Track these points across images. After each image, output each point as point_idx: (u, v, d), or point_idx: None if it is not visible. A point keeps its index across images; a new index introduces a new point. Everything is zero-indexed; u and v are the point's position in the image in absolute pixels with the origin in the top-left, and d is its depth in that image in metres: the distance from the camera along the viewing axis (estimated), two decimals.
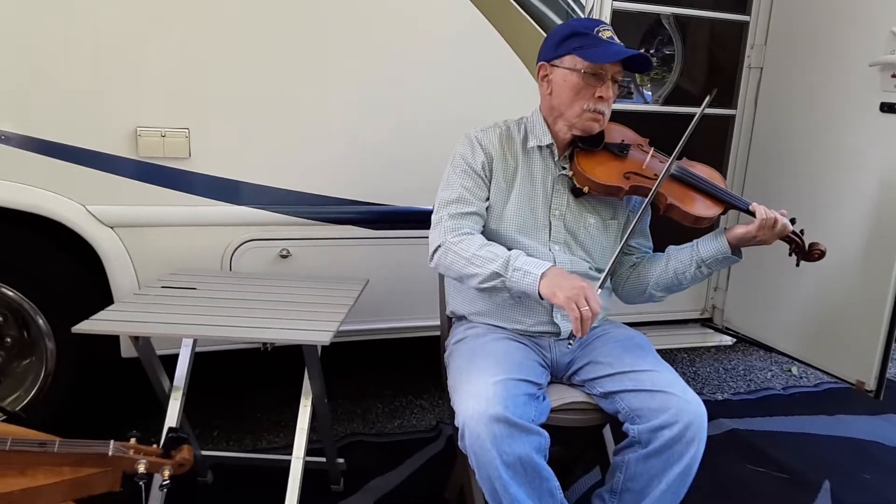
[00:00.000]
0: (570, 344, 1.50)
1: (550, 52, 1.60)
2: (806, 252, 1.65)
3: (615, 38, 1.58)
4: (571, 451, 1.98)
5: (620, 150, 1.66)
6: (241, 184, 1.99)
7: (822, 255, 1.65)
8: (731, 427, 2.50)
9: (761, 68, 2.48)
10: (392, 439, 2.30)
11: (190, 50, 1.87)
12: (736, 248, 1.63)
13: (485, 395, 1.39)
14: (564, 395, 1.63)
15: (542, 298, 1.44)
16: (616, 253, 1.55)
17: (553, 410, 1.58)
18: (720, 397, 2.77)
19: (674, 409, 1.47)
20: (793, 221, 1.63)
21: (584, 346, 1.68)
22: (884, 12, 2.03)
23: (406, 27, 2.04)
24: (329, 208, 2.07)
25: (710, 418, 2.47)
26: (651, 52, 2.83)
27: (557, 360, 1.68)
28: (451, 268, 1.56)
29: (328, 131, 2.03)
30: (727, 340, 2.76)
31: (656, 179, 1.59)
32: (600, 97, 1.56)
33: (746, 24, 2.49)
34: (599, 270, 1.68)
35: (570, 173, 1.64)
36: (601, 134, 1.64)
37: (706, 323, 2.77)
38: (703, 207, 1.62)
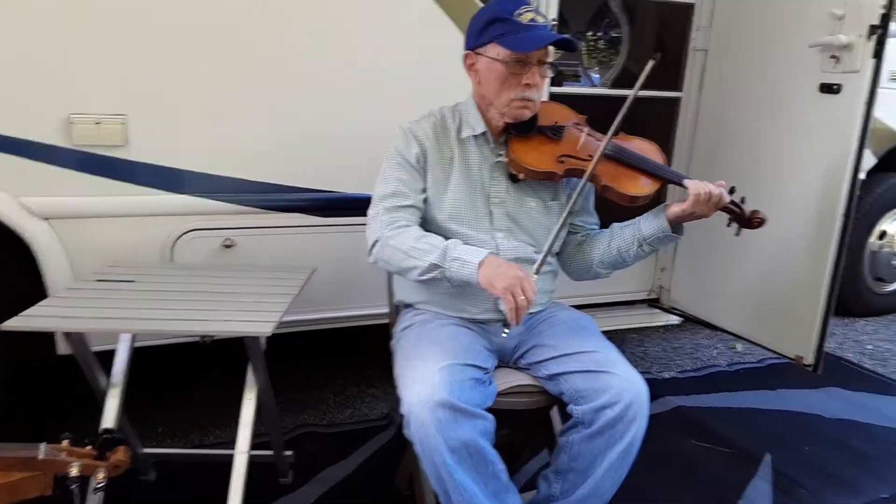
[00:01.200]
0: (505, 332, 1.49)
1: (473, 41, 1.58)
2: (747, 220, 1.65)
3: (537, 18, 1.53)
4: (520, 434, 1.99)
5: (554, 133, 1.65)
6: (182, 172, 1.94)
7: (762, 222, 1.65)
8: (677, 404, 2.56)
9: (706, 50, 2.51)
10: (343, 429, 2.29)
11: (126, 33, 1.80)
12: (676, 225, 1.64)
13: (430, 380, 1.40)
14: (510, 379, 1.64)
15: (480, 287, 1.44)
16: (551, 238, 1.54)
17: (499, 394, 1.58)
18: (667, 375, 2.82)
19: (616, 388, 1.49)
20: (732, 191, 1.64)
21: (531, 330, 1.69)
22: None
23: (353, 10, 2.00)
24: (274, 196, 2.03)
25: (656, 396, 2.61)
26: (599, 34, 2.85)
27: (504, 344, 1.68)
28: (390, 262, 1.55)
29: (272, 117, 1.99)
30: (674, 320, 2.82)
31: (591, 160, 1.58)
32: (527, 84, 1.54)
33: (692, 6, 2.51)
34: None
35: (506, 160, 1.63)
36: (534, 118, 1.63)
37: (654, 303, 2.82)
38: (638, 186, 1.62)
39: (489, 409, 1.50)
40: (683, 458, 2.22)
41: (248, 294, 1.66)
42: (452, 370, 1.43)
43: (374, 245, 1.57)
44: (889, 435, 2.43)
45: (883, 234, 3.47)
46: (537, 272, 1.48)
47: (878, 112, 3.17)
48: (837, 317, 3.54)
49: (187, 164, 1.94)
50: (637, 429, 1.51)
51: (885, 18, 1.91)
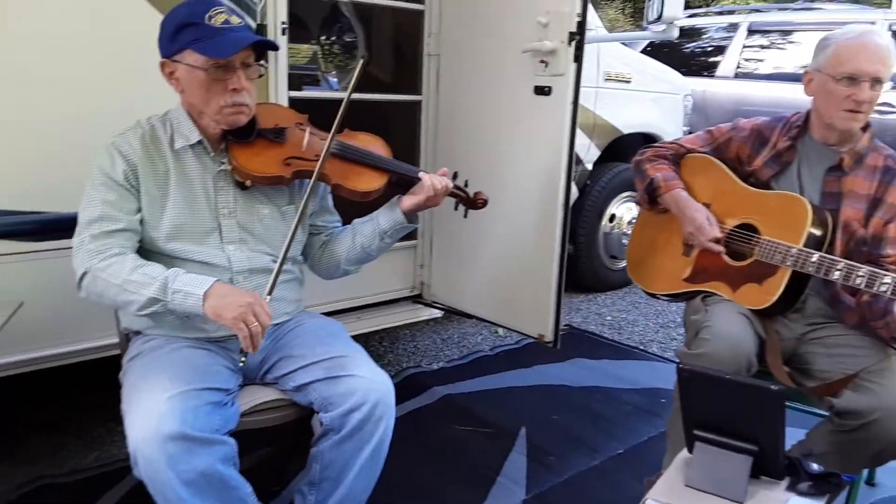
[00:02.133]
0: (242, 362, 1.43)
1: (167, 48, 1.49)
2: (471, 201, 1.78)
3: (232, 20, 1.48)
4: (281, 450, 1.94)
5: (276, 136, 1.62)
6: None
7: (485, 203, 1.79)
8: (445, 393, 2.67)
9: (439, 55, 2.63)
10: (88, 475, 2.07)
11: None
12: (411, 215, 1.70)
13: (157, 412, 1.31)
14: (256, 396, 1.59)
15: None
16: (284, 247, 1.52)
17: (244, 414, 1.53)
18: (436, 367, 2.93)
19: (361, 390, 1.51)
20: (455, 176, 1.75)
21: (276, 342, 1.66)
22: (530, 2, 2.26)
23: (57, 13, 1.79)
24: None
25: (425, 388, 2.70)
26: (332, 39, 2.86)
27: (248, 361, 1.62)
28: (104, 296, 1.42)
29: None
30: (437, 313, 2.93)
31: (318, 160, 1.58)
32: (235, 89, 1.49)
33: (422, 12, 2.62)
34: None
35: (229, 168, 1.57)
36: (253, 122, 1.58)
37: (417, 299, 2.91)
38: (368, 181, 1.66)
39: (235, 432, 1.45)
40: (449, 444, 2.33)
41: None
42: (184, 397, 1.35)
43: (82, 278, 1.43)
44: (624, 395, 2.74)
45: (613, 217, 3.91)
46: (270, 293, 1.44)
47: (599, 109, 3.60)
48: (581, 293, 3.94)
49: None
50: (385, 427, 1.55)
51: (581, 26, 2.14)
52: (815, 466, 1.37)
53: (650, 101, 3.87)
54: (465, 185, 1.78)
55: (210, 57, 1.44)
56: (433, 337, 3.27)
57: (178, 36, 1.46)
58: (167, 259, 1.51)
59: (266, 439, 1.79)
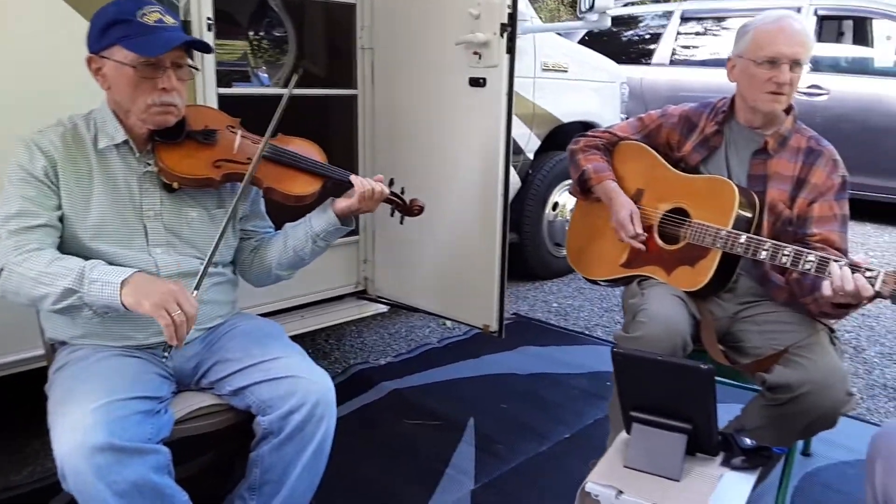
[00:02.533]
0: (165, 356, 1.39)
1: (96, 43, 1.45)
2: (407, 208, 1.77)
3: (165, 19, 1.45)
4: (225, 456, 1.90)
5: (206, 138, 1.58)
6: None
7: (421, 209, 1.78)
8: (392, 388, 2.66)
9: (373, 49, 2.60)
10: (20, 491, 1.99)
11: None
12: (344, 218, 1.68)
13: (82, 424, 1.26)
14: (191, 403, 1.55)
15: (127, 310, 1.33)
16: (213, 247, 1.48)
17: (178, 421, 1.49)
18: (383, 362, 2.92)
19: (300, 391, 1.49)
20: (391, 183, 1.74)
21: (211, 346, 1.62)
22: None
23: None
24: None
25: (373, 384, 2.68)
26: (261, 34, 2.81)
27: (181, 367, 1.59)
28: (20, 292, 1.36)
29: None
30: (382, 308, 2.91)
31: (250, 163, 1.56)
32: (164, 89, 1.45)
33: (354, 6, 2.59)
34: (215, 264, 1.62)
35: (156, 169, 1.53)
36: (182, 123, 1.55)
37: (361, 295, 2.89)
38: (302, 185, 1.63)
39: (172, 440, 1.42)
40: (397, 439, 2.32)
41: None
42: (111, 407, 1.30)
43: None
44: (571, 380, 2.78)
45: (556, 206, 3.95)
46: (197, 287, 1.40)
47: (538, 99, 3.62)
48: (528, 281, 3.97)
49: None
50: (327, 427, 1.53)
51: (512, 17, 2.14)
52: (747, 441, 1.41)
53: (588, 89, 3.92)
54: (402, 192, 1.77)
55: (140, 54, 1.41)
56: (380, 332, 3.25)
57: (107, 32, 1.42)
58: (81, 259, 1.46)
59: (207, 445, 1.76)
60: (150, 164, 1.53)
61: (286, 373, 1.51)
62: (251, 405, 1.52)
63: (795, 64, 1.71)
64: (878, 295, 1.46)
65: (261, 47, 2.91)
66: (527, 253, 3.88)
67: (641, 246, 1.87)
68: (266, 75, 2.90)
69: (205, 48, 1.55)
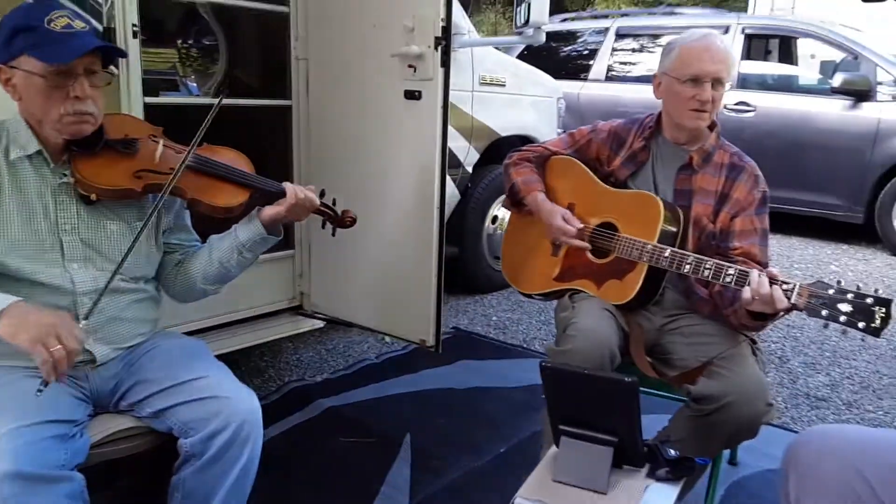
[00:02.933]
0: (39, 392, 1.27)
1: (2, 53, 1.39)
2: (339, 220, 1.75)
3: (75, 24, 1.40)
4: (145, 481, 1.83)
5: (126, 147, 1.53)
6: None
7: (353, 221, 1.77)
8: (328, 405, 2.61)
9: (307, 59, 2.57)
10: None
11: None
12: (272, 227, 1.64)
13: None
14: (108, 426, 1.49)
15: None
16: (120, 260, 1.43)
17: (95, 446, 1.43)
18: (320, 379, 2.87)
19: (224, 412, 1.45)
20: (322, 194, 1.71)
21: (130, 367, 1.56)
22: (394, 5, 2.24)
23: None
24: None
25: (308, 402, 2.63)
26: (190, 42, 2.75)
27: (98, 388, 1.52)
28: None
29: None
30: (319, 324, 2.86)
31: (172, 173, 1.51)
32: (77, 97, 1.40)
33: (288, 15, 2.55)
34: (135, 279, 1.56)
35: (73, 181, 1.47)
36: (100, 132, 1.49)
37: (297, 310, 2.83)
38: (228, 197, 1.59)
39: (86, 466, 1.36)
40: (332, 457, 2.28)
41: None
42: (18, 434, 1.24)
43: None
44: (509, 394, 2.78)
45: (495, 219, 3.97)
46: (86, 317, 1.35)
47: (476, 112, 3.64)
48: (468, 295, 3.98)
49: None
50: (252, 448, 1.48)
51: (446, 31, 2.15)
52: (672, 452, 1.44)
53: (526, 104, 3.96)
54: (333, 204, 1.75)
55: (48, 63, 1.35)
56: (317, 348, 3.20)
57: (13, 40, 1.37)
58: (1, 279, 1.39)
59: (126, 470, 1.69)
60: (66, 176, 1.48)
61: (209, 393, 1.47)
62: (173, 427, 1.47)
63: (717, 82, 1.76)
64: (793, 307, 1.50)
65: (190, 56, 2.84)
66: (467, 266, 3.89)
67: (586, 245, 1.88)
68: (195, 84, 2.83)
69: (117, 53, 1.50)
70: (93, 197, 1.48)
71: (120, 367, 1.55)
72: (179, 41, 2.76)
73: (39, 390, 1.27)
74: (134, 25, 2.02)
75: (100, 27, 1.93)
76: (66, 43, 1.37)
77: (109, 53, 1.49)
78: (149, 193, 1.55)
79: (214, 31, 2.66)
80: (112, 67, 1.52)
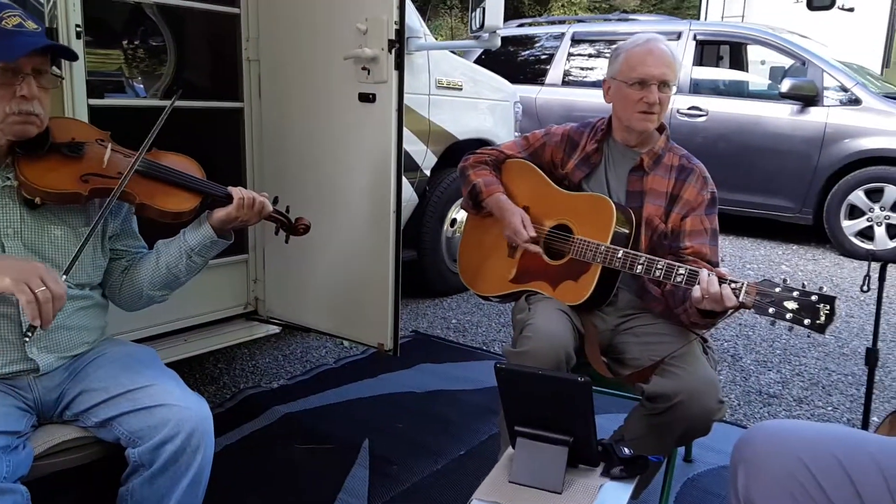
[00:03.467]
0: (28, 338, 1.26)
1: None
2: (293, 227, 1.74)
3: (26, 24, 1.38)
4: (92, 493, 1.77)
5: (73, 150, 1.49)
6: None
7: (307, 228, 1.76)
8: (285, 412, 2.57)
9: (259, 61, 2.54)
10: None
11: None
12: (221, 231, 1.61)
13: None
14: (53, 437, 1.45)
15: None
16: (71, 259, 1.39)
17: (39, 457, 1.39)
18: (276, 385, 2.83)
19: (174, 420, 1.41)
20: (275, 201, 1.70)
21: (75, 375, 1.51)
22: (346, 8, 2.23)
23: None
24: None
25: (265, 409, 2.59)
26: (136, 43, 2.69)
27: (42, 398, 1.47)
28: None
29: None
30: (274, 329, 2.83)
31: (120, 178, 1.48)
32: (23, 96, 1.36)
33: (239, 16, 2.51)
34: (80, 286, 1.52)
35: (16, 184, 1.43)
36: (46, 134, 1.46)
37: (252, 316, 2.79)
38: (178, 202, 1.56)
39: (29, 479, 1.31)
40: (289, 465, 2.24)
41: None
42: None
43: None
44: (468, 397, 2.78)
45: (454, 222, 3.98)
46: (66, 272, 1.32)
47: (433, 116, 3.65)
48: (428, 298, 3.97)
49: None
50: (203, 457, 1.45)
51: (400, 34, 2.14)
52: (626, 451, 1.45)
53: (483, 108, 3.98)
54: (287, 211, 1.73)
55: None
56: (274, 354, 3.15)
57: None
58: None
59: (72, 482, 1.63)
60: (9, 179, 1.44)
61: (158, 401, 1.43)
62: (120, 437, 1.43)
63: (664, 84, 1.80)
64: (742, 305, 1.53)
65: (136, 57, 2.78)
66: (425, 270, 3.89)
67: (537, 248, 1.89)
68: (142, 86, 2.77)
69: (69, 55, 1.46)
70: (37, 201, 1.44)
71: (65, 375, 1.50)
72: (125, 42, 2.70)
73: (27, 335, 1.25)
74: (77, 26, 1.96)
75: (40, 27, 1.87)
76: (16, 40, 1.33)
77: (60, 54, 1.46)
78: (95, 198, 1.52)
79: (162, 32, 2.60)
80: (54, 68, 1.48)
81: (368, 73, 2.21)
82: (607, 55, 6.21)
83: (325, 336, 3.12)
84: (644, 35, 1.84)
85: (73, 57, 1.52)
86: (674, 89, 1.83)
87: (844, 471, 1.08)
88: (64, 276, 1.33)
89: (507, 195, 2.00)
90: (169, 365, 1.63)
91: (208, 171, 1.65)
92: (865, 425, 1.99)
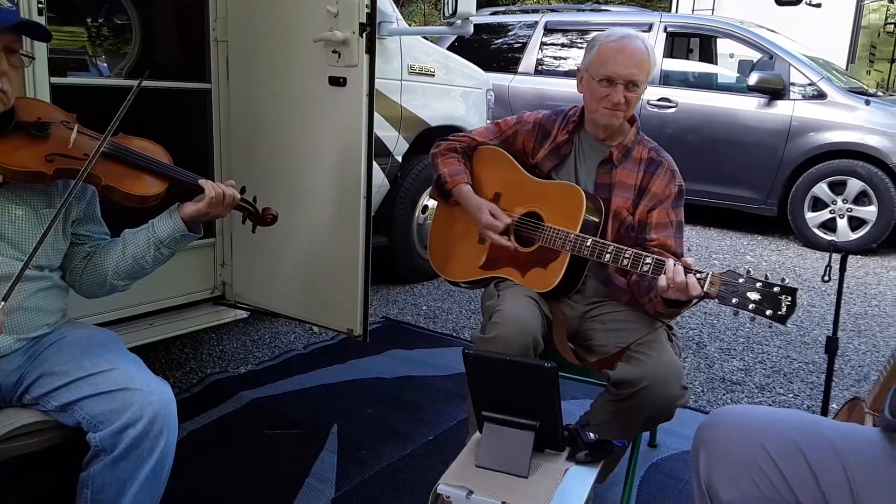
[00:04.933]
0: None
1: None
2: (260, 217, 1.73)
3: (2, 1, 1.37)
4: (52, 478, 1.75)
5: (38, 130, 1.47)
6: None
7: (274, 219, 1.75)
8: (252, 398, 2.55)
9: (227, 42, 2.49)
10: None
11: None
12: (191, 224, 1.59)
13: None
14: (11, 420, 1.42)
15: None
16: (34, 248, 1.36)
17: None
18: (244, 370, 2.80)
19: (136, 404, 1.39)
20: (243, 191, 1.68)
21: (35, 358, 1.48)
22: None
23: None
24: None
25: (231, 394, 2.56)
26: (100, 20, 2.62)
27: (1, 381, 1.44)
28: None
29: None
30: (242, 314, 2.80)
31: (86, 159, 1.45)
32: None
33: None
34: (39, 268, 1.48)
35: None
36: (11, 113, 1.43)
37: (219, 300, 2.76)
38: (145, 186, 1.54)
39: None
40: (256, 451, 2.23)
41: None
42: None
43: None
44: (437, 382, 2.79)
45: (425, 209, 3.97)
46: (5, 298, 1.28)
47: (405, 102, 3.63)
48: (398, 284, 3.97)
49: None
50: (167, 442, 1.43)
51: (371, 17, 2.12)
52: (591, 436, 1.47)
53: (455, 94, 3.97)
54: (254, 201, 1.71)
55: None
56: (242, 339, 3.12)
57: None
58: None
59: (32, 467, 1.61)
60: None
61: (120, 385, 1.41)
62: (81, 421, 1.41)
63: (632, 84, 1.79)
64: (706, 295, 1.56)
65: (101, 35, 2.70)
66: (396, 256, 3.88)
67: (509, 243, 1.89)
68: (105, 65, 2.70)
69: (43, 34, 1.43)
70: (0, 179, 1.41)
71: (24, 358, 1.47)
72: (89, 19, 2.62)
73: None
74: (40, 2, 1.90)
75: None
76: None
77: (34, 32, 1.43)
78: (59, 179, 1.49)
79: (127, 10, 2.54)
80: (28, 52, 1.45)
81: (339, 57, 2.19)
82: (580, 45, 6.25)
83: (294, 321, 3.10)
84: (621, 30, 1.83)
85: (47, 37, 1.48)
86: (644, 88, 1.83)
87: (803, 455, 1.11)
88: (1, 303, 1.28)
89: (477, 182, 2.00)
90: (134, 349, 1.60)
91: (174, 154, 1.63)
92: (825, 412, 2.04)
